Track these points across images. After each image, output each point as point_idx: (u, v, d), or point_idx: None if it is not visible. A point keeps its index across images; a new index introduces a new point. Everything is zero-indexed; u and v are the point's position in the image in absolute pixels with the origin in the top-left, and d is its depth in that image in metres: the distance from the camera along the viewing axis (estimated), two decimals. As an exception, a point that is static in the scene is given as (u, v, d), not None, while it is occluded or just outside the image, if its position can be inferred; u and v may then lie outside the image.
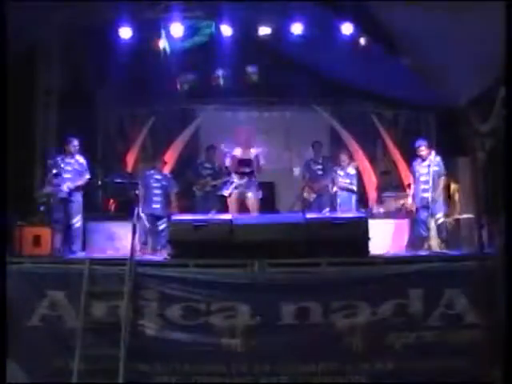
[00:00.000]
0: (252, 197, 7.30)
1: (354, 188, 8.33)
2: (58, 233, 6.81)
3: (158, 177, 8.01)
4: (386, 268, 5.72)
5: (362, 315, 5.47)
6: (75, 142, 7.32)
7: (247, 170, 7.28)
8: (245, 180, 7.31)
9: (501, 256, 4.69)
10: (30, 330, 5.51)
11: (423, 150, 7.22)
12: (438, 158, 7.17)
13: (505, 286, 4.15)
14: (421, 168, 7.26)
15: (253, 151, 7.41)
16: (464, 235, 7.06)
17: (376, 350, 5.44)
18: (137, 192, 7.69)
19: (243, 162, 7.32)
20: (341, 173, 8.30)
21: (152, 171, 8.13)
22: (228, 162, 7.50)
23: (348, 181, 8.25)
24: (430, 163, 7.13)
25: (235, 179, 7.31)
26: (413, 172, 7.50)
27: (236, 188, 7.29)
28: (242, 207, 7.36)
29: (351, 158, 9.12)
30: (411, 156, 9.90)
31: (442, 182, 7.14)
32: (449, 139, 7.41)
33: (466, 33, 4.15)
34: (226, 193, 7.46)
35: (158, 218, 7.82)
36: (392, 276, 5.60)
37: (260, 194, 7.42)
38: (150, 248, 7.53)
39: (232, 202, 7.33)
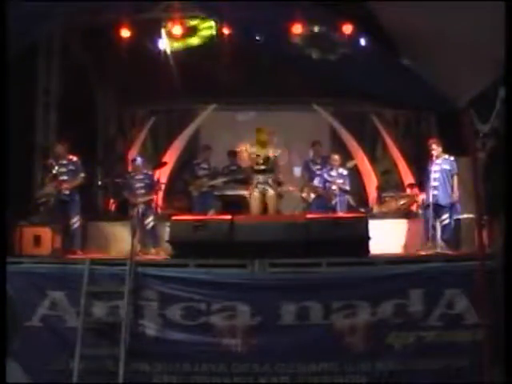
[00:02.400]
0: (271, 194, 7.22)
1: (347, 188, 8.20)
2: (58, 233, 6.81)
3: (140, 176, 7.86)
4: (386, 268, 5.73)
5: (362, 315, 5.48)
6: (64, 143, 7.31)
7: (265, 167, 7.25)
8: (264, 177, 7.26)
9: (501, 256, 4.69)
10: (30, 330, 5.51)
11: (435, 148, 7.21)
12: (452, 158, 7.15)
13: (505, 286, 4.14)
14: (432, 166, 7.21)
15: (271, 150, 7.37)
16: (464, 235, 7.04)
17: (376, 350, 5.44)
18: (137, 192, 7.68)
19: (261, 160, 7.29)
20: (333, 173, 8.14)
21: (132, 173, 7.99)
22: (245, 159, 7.44)
23: (341, 181, 8.13)
24: (441, 162, 7.14)
25: (254, 177, 7.27)
26: (426, 171, 7.41)
27: (256, 186, 7.24)
28: (264, 205, 7.26)
29: (347, 157, 9.04)
30: (411, 156, 9.92)
31: (455, 181, 7.10)
32: (449, 139, 7.40)
33: (466, 33, 4.15)
34: (246, 193, 7.43)
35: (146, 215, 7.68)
36: (392, 276, 5.60)
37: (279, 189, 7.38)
38: (140, 247, 7.42)
39: (254, 201, 7.19)
